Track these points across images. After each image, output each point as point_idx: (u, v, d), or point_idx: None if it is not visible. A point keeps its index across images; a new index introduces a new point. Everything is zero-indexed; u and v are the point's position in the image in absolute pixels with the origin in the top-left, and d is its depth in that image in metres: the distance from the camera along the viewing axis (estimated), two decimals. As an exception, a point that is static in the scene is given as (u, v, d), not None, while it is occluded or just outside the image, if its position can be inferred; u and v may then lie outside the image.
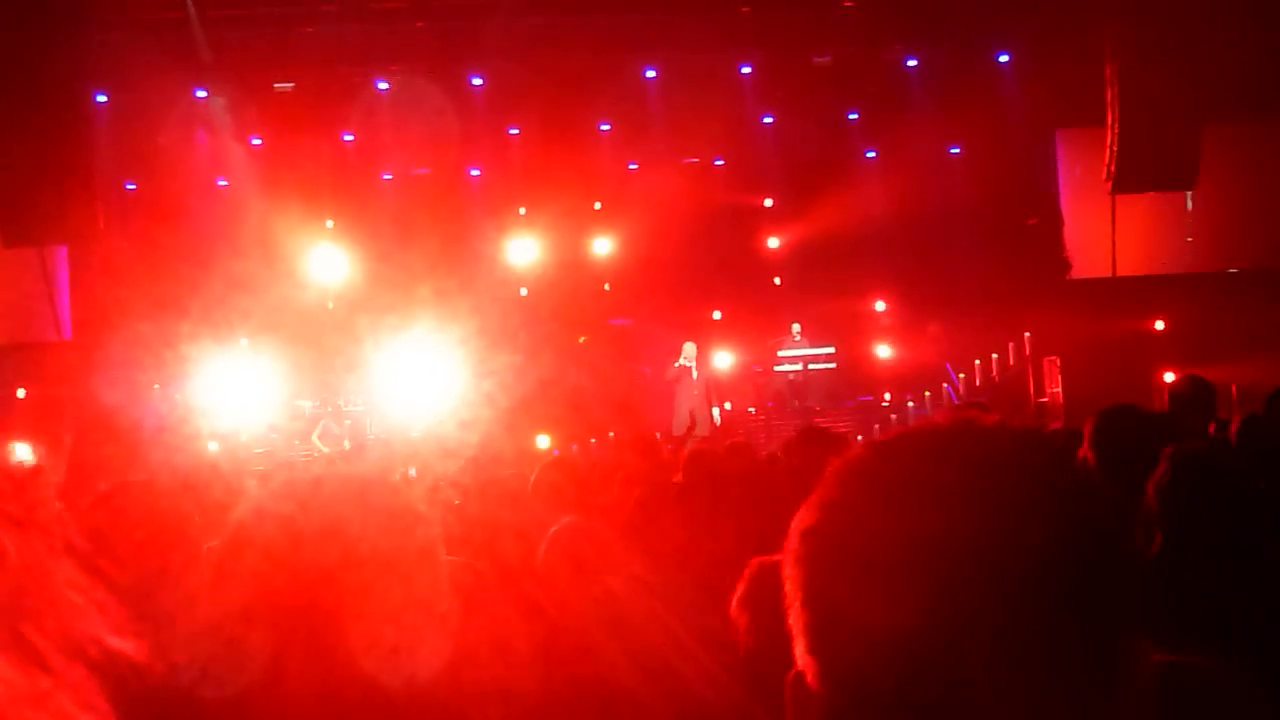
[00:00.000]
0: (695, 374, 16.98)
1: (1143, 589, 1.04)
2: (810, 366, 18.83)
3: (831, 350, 18.90)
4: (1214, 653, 1.49)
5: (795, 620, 1.07)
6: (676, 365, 16.99)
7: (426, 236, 18.55)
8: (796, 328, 19.45)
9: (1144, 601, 1.03)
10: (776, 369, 19.20)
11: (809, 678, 1.05)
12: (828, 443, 6.36)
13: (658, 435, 16.94)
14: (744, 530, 4.17)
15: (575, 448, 16.07)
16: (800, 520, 1.09)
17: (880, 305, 21.40)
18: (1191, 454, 3.44)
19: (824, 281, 20.59)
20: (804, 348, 19.16)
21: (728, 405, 19.20)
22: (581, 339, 20.47)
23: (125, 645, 0.93)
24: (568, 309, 19.92)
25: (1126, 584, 1.02)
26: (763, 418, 18.41)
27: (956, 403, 17.17)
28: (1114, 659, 1.00)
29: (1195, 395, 6.34)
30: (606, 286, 21.33)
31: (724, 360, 19.27)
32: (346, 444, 16.67)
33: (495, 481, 5.88)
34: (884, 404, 19.46)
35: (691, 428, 15.40)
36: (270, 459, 15.66)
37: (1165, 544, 3.33)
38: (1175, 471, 3.36)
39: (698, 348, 17.30)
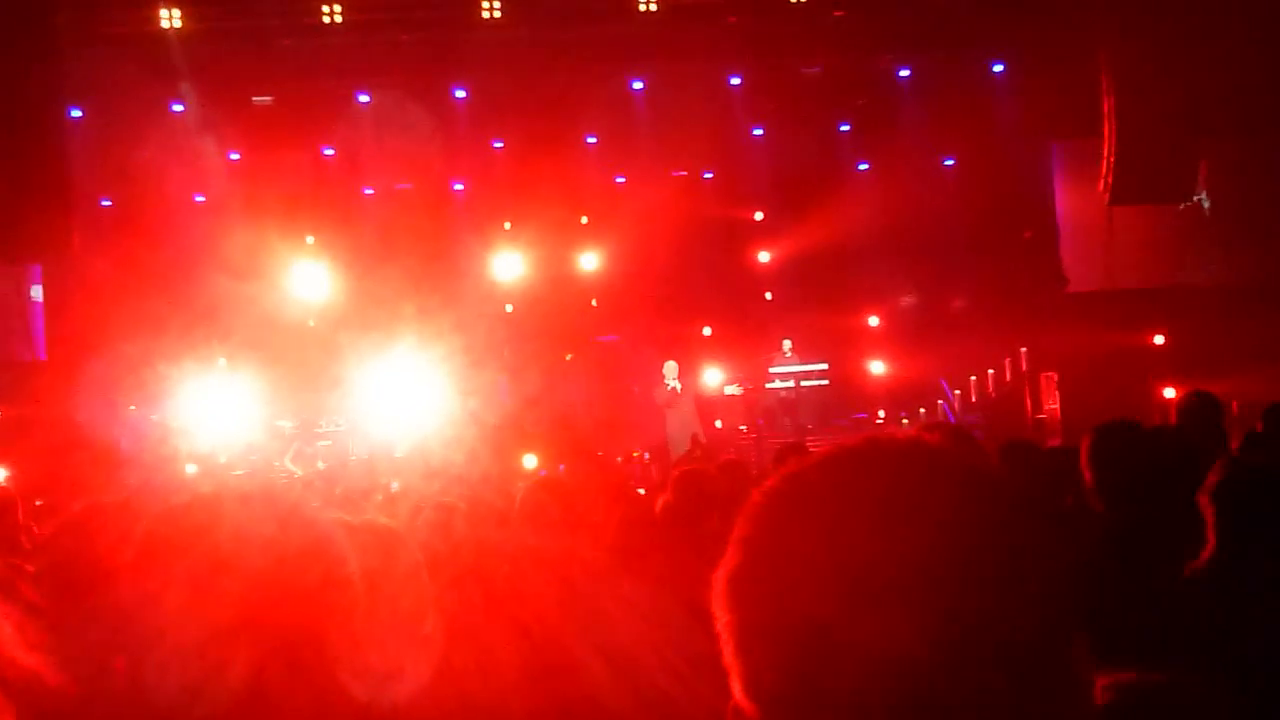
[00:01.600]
0: (681, 390, 16.96)
1: (1073, 606, 1.03)
2: (802, 384, 18.81)
3: (824, 367, 18.89)
4: (1272, 660, 1.46)
5: (730, 663, 1.07)
6: (668, 388, 16.97)
7: (409, 252, 18.53)
8: (788, 344, 19.46)
9: (1077, 616, 1.03)
10: (768, 386, 19.17)
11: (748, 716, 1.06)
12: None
13: (645, 456, 17.42)
14: None
15: (562, 467, 16.00)
16: (725, 561, 1.09)
17: (874, 321, 21.43)
18: (1254, 465, 3.44)
19: (816, 296, 20.61)
20: (795, 364, 19.16)
21: (718, 424, 19.29)
22: (568, 356, 20.48)
23: (39, 665, 0.94)
24: (554, 326, 19.94)
25: (1051, 600, 1.02)
26: (754, 436, 18.31)
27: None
28: (1048, 676, 1.00)
29: (1203, 411, 6.21)
30: (594, 303, 21.35)
31: (713, 378, 19.25)
32: (320, 465, 16.59)
33: (480, 502, 5.85)
34: (878, 421, 19.44)
35: (694, 448, 15.41)
36: (250, 481, 15.57)
37: (1219, 553, 3.31)
38: (1237, 481, 3.34)
39: (683, 366, 17.30)
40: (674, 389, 16.95)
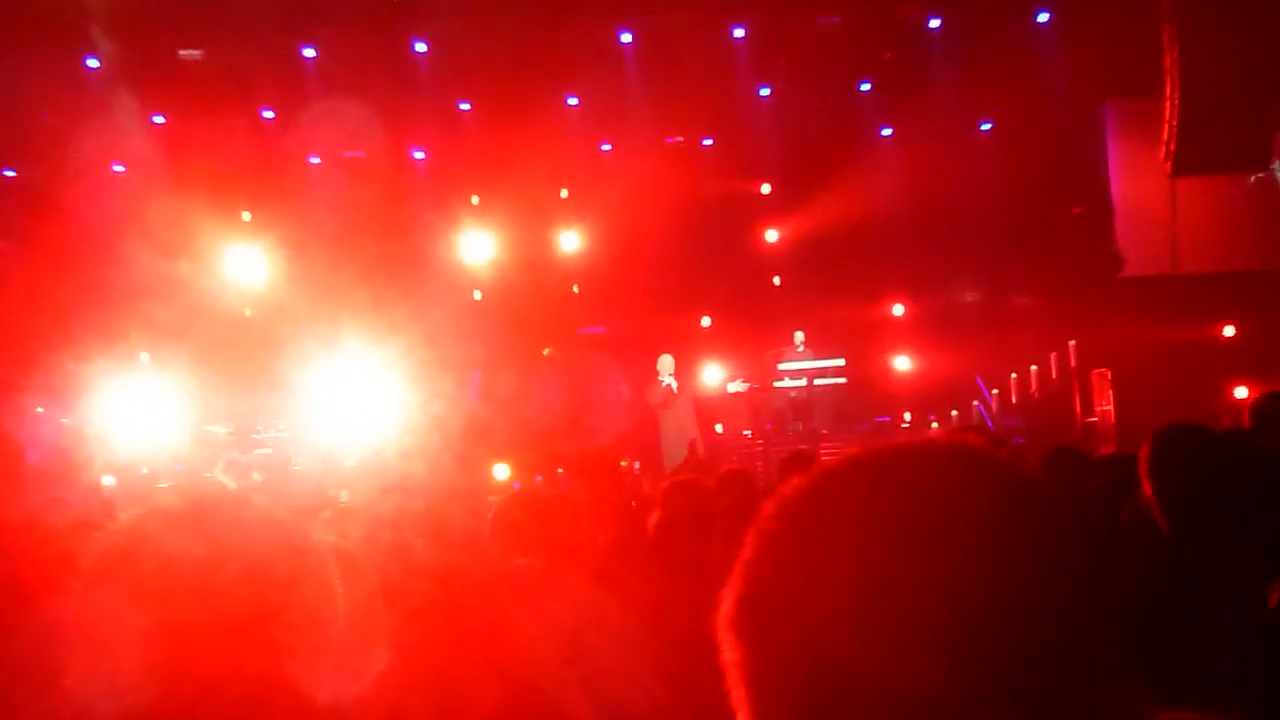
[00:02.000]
0: (676, 389, 17.00)
1: (1127, 641, 1.04)
2: (816, 382, 18.84)
3: (841, 363, 18.92)
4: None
5: (738, 703, 1.07)
6: (662, 386, 16.99)
7: (362, 231, 18.53)
8: (800, 336, 19.54)
9: (1132, 652, 1.03)
10: (776, 385, 19.22)
11: None
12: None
13: (635, 465, 17.39)
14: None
15: (540, 479, 16.05)
16: (732, 586, 1.10)
17: (898, 310, 21.54)
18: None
19: (832, 282, 20.70)
20: (808, 360, 19.22)
21: (719, 428, 19.31)
22: (546, 351, 20.54)
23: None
24: (530, 316, 19.95)
25: (1102, 635, 1.03)
26: (760, 442, 18.43)
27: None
28: (1093, 709, 1.01)
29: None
30: (575, 289, 21.41)
31: (713, 375, 19.27)
32: (257, 476, 16.59)
33: (446, 520, 5.87)
34: (903, 425, 19.47)
35: (692, 456, 15.47)
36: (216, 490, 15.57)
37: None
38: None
39: (679, 362, 17.31)
40: (669, 387, 16.96)
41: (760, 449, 18.60)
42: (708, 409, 18.29)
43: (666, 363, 17.10)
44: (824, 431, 18.75)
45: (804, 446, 18.37)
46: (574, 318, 21.08)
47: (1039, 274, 18.77)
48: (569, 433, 17.89)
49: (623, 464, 17.48)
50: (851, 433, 19.02)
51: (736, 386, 17.97)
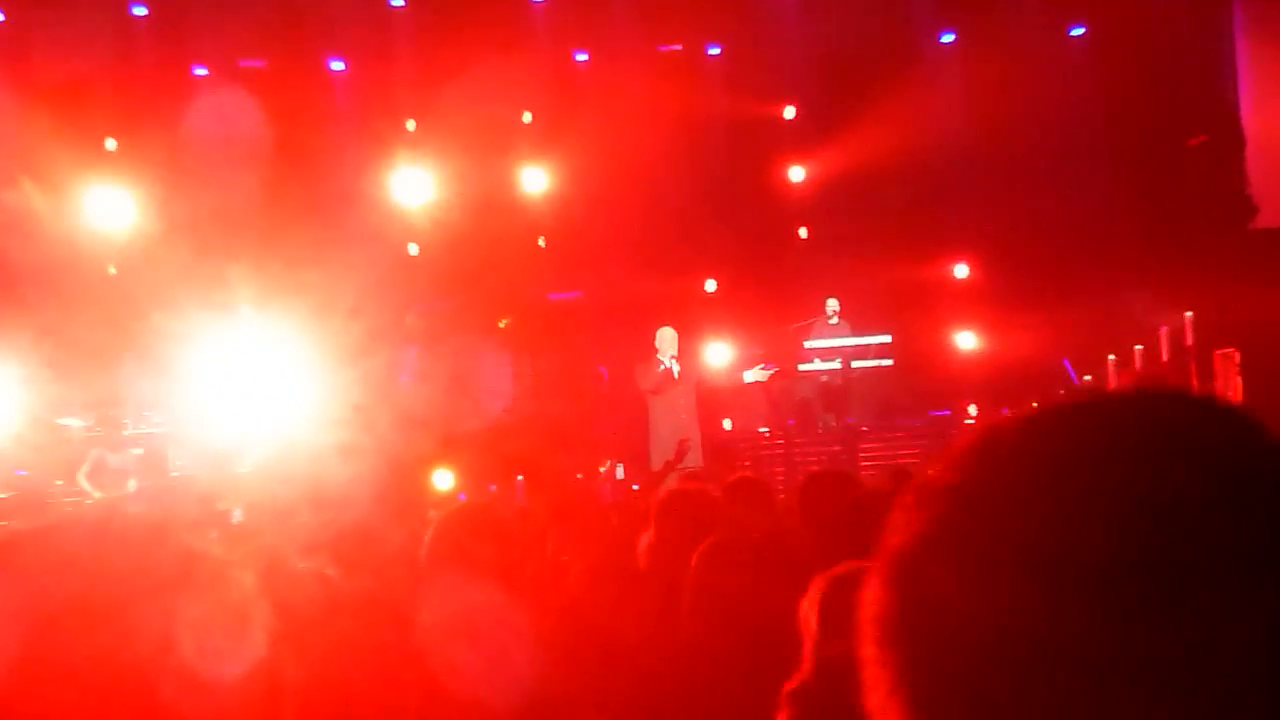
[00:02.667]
0: (677, 374, 16.89)
1: None
2: (854, 365, 18.90)
3: (886, 340, 18.98)
4: None
5: (886, 668, 1.13)
6: (660, 368, 16.87)
7: (262, 166, 18.39)
8: (833, 306, 19.58)
9: None
10: (802, 369, 19.29)
11: None
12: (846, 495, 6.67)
13: (618, 470, 17.29)
14: (752, 619, 4.41)
15: (494, 489, 16.13)
16: (885, 567, 1.17)
17: (961, 271, 21.58)
18: None
19: (875, 235, 20.74)
20: (844, 336, 19.25)
21: (728, 424, 19.43)
22: (503, 323, 20.50)
23: None
24: (482, 277, 19.89)
25: None
26: (781, 442, 18.57)
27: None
28: None
29: None
30: (541, 242, 21.43)
31: (720, 356, 19.19)
32: (132, 484, 16.59)
33: (372, 543, 5.99)
34: (968, 421, 19.42)
35: (678, 459, 15.40)
36: (16, 508, 15.45)
37: None
38: None
39: (680, 337, 17.21)
40: (668, 370, 16.85)
41: (781, 451, 18.72)
42: (713, 399, 18.23)
43: (668, 338, 17.00)
44: (864, 429, 18.84)
45: (836, 449, 18.77)
46: (539, 279, 21.07)
47: (1146, 225, 18.72)
48: (532, 429, 17.95)
49: (601, 469, 17.53)
50: (899, 430, 19.18)
51: (754, 375, 17.84)
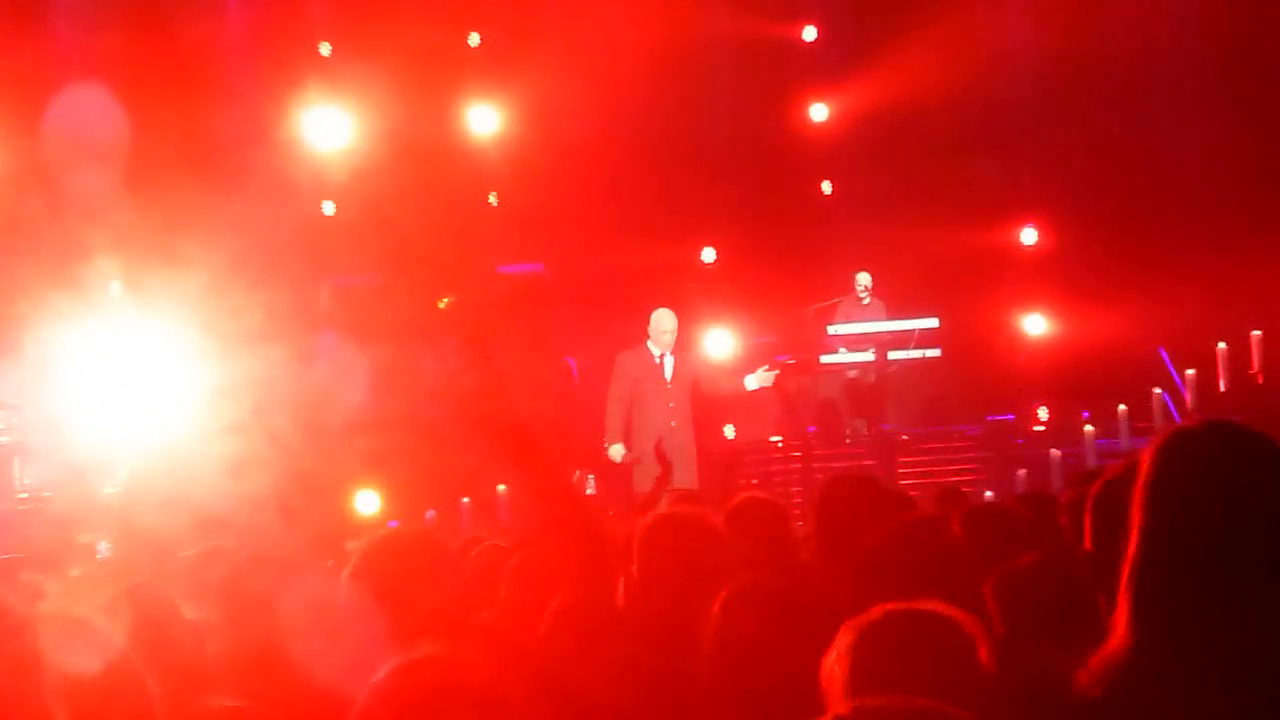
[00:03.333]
0: (670, 371, 16.95)
1: None
2: (891, 356, 18.92)
3: (932, 324, 18.95)
4: None
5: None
6: (657, 357, 16.86)
7: (136, 95, 18.31)
8: (864, 281, 19.74)
9: None
10: (825, 361, 19.31)
11: None
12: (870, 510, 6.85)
13: (589, 481, 17.22)
14: (784, 680, 4.32)
15: (432, 515, 16.30)
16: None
17: (1028, 236, 21.77)
18: None
19: (917, 190, 20.99)
20: (878, 319, 19.39)
21: (730, 430, 19.71)
22: (443, 302, 20.60)
23: None
24: (416, 243, 19.87)
25: None
26: (798, 455, 18.69)
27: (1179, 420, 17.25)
28: None
29: None
30: (493, 199, 21.50)
31: (721, 345, 19.23)
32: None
33: (277, 580, 5.84)
34: (1039, 427, 19.49)
35: (664, 477, 15.42)
36: None
37: None
38: None
39: (678, 320, 17.20)
40: (652, 361, 16.83)
41: (798, 466, 18.79)
42: (712, 400, 18.15)
43: (664, 322, 16.88)
44: (903, 437, 19.05)
45: (869, 464, 18.71)
46: (489, 247, 21.21)
47: (1265, 177, 18.73)
48: (481, 436, 17.86)
49: (587, 480, 17.62)
50: (949, 439, 19.47)
51: (757, 380, 17.63)
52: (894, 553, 5.65)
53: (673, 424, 16.69)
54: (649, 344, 16.95)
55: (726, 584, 5.35)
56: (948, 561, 5.56)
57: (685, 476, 16.22)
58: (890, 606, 3.86)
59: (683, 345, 17.14)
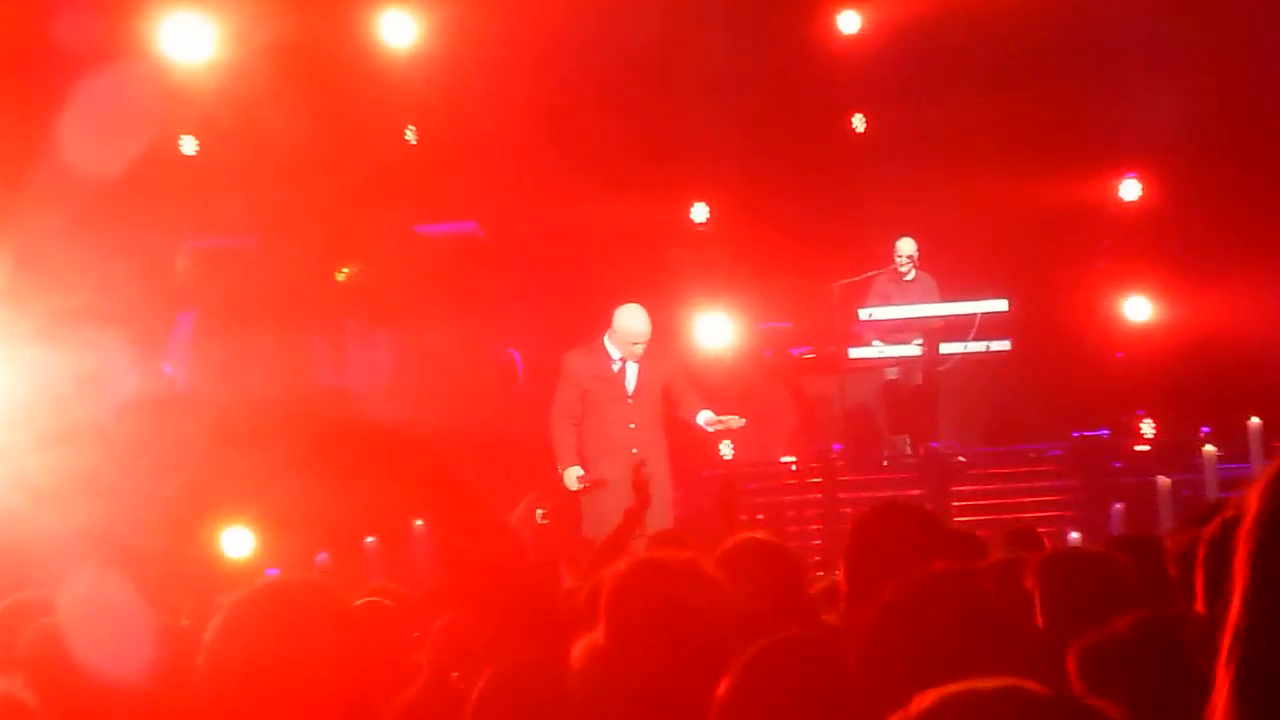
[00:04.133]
0: (633, 382, 17.16)
1: None
2: (944, 349, 19.15)
3: (1000, 307, 19.17)
4: None
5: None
6: (616, 362, 16.92)
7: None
8: (907, 249, 19.91)
9: None
10: (855, 355, 19.57)
11: None
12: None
13: (539, 515, 17.20)
14: None
15: (324, 559, 16.37)
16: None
17: (1129, 190, 21.98)
18: None
19: (977, 129, 21.21)
20: (925, 300, 19.67)
21: (727, 449, 19.82)
22: (343, 273, 20.87)
23: None
24: (307, 193, 19.99)
25: None
26: (818, 481, 18.87)
27: None
28: None
29: None
30: (410, 136, 21.64)
31: (716, 332, 19.30)
32: None
33: (108, 647, 5.91)
34: (1142, 447, 19.54)
35: (636, 513, 15.45)
36: None
37: None
38: None
39: (653, 306, 17.24)
40: (615, 371, 16.90)
41: (817, 496, 18.99)
42: (703, 404, 18.23)
43: (635, 325, 16.92)
44: (959, 459, 19.21)
45: (915, 495, 18.63)
46: (406, 199, 21.31)
47: None
48: (392, 453, 17.91)
49: (519, 512, 17.62)
50: (1024, 460, 19.52)
51: (713, 423, 17.60)
52: (933, 613, 5.36)
53: (635, 450, 16.70)
54: (607, 342, 17.06)
55: (728, 654, 5.39)
56: (1013, 626, 5.47)
57: (656, 517, 16.13)
58: (954, 690, 3.44)
59: (657, 340, 17.07)
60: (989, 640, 5.08)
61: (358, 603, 7.98)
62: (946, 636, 5.09)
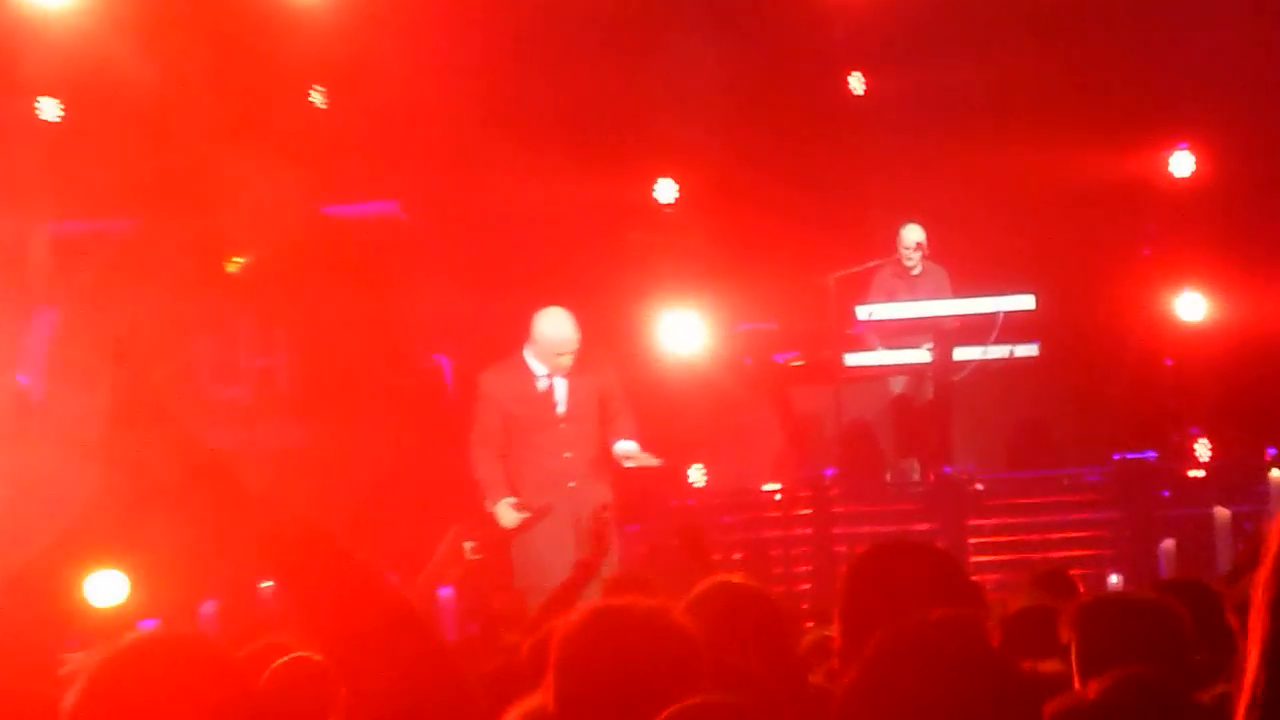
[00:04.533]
0: (564, 400, 17.19)
1: None
2: (959, 355, 19.13)
3: (1026, 304, 19.15)
4: None
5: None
6: (542, 379, 16.72)
7: None
8: (914, 237, 19.88)
9: None
10: (851, 362, 19.48)
11: None
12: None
13: (468, 549, 17.02)
14: None
15: (210, 609, 16.56)
16: None
17: (1181, 165, 21.78)
18: None
19: (1000, 92, 21.11)
20: (937, 296, 19.67)
21: (697, 473, 19.94)
22: (235, 263, 20.68)
23: None
24: (191, 165, 19.91)
25: None
26: (807, 513, 18.75)
27: None
28: None
29: None
30: (318, 97, 21.59)
31: (683, 335, 19.12)
32: None
33: None
34: (1197, 472, 19.65)
35: (590, 568, 15.32)
36: None
37: None
38: None
39: (589, 300, 17.24)
40: (541, 391, 16.72)
41: (807, 533, 18.91)
42: (666, 425, 18.04)
43: (559, 332, 16.98)
44: (977, 486, 19.16)
45: (924, 529, 18.47)
46: (312, 175, 21.10)
47: None
48: (298, 480, 17.77)
49: (449, 551, 17.45)
50: (1056, 488, 19.50)
51: (631, 457, 17.49)
52: (927, 670, 5.19)
53: (572, 483, 16.76)
54: (527, 356, 17.11)
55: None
56: (1031, 688, 5.39)
57: (586, 561, 15.98)
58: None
59: (589, 345, 17.13)
60: (997, 707, 5.05)
61: (279, 662, 8.07)
62: (944, 701, 4.99)
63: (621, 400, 17.64)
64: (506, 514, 16.88)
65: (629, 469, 17.39)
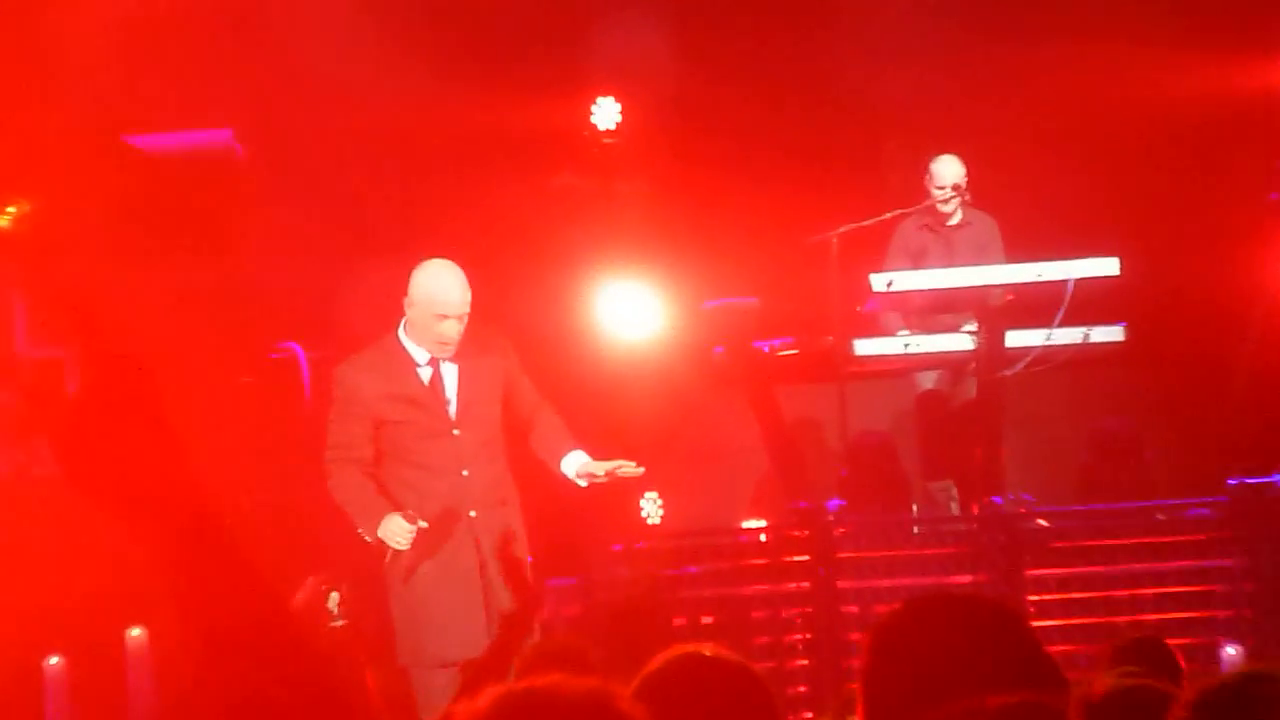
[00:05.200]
0: (455, 394, 16.92)
1: None
2: (1011, 340, 18.69)
3: (1109, 268, 18.60)
4: None
5: None
6: (422, 366, 16.13)
7: None
8: (950, 175, 19.61)
9: None
10: (862, 351, 19.10)
11: None
12: None
13: (333, 600, 16.24)
14: None
15: (57, 664, 16.58)
16: None
17: None
18: None
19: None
20: (981, 259, 19.26)
21: (653, 507, 19.64)
22: (8, 213, 20.15)
23: None
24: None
25: None
26: (803, 558, 18.28)
27: None
28: None
29: None
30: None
31: (635, 309, 18.39)
32: None
33: None
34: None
35: (522, 626, 14.50)
36: None
37: None
38: None
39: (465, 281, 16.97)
40: (424, 384, 15.97)
41: (804, 588, 18.56)
42: (601, 435, 17.31)
43: (444, 293, 16.45)
44: (1040, 521, 18.82)
45: (965, 580, 17.51)
46: (110, 96, 20.66)
47: None
48: (87, 525, 16.97)
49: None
50: (1147, 524, 19.05)
51: (585, 472, 16.72)
52: None
53: (473, 513, 16.59)
54: (403, 336, 16.84)
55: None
56: None
57: (516, 617, 15.41)
58: None
59: (479, 319, 16.81)
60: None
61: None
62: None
63: (533, 390, 17.31)
64: (398, 532, 16.32)
65: (571, 491, 16.83)
